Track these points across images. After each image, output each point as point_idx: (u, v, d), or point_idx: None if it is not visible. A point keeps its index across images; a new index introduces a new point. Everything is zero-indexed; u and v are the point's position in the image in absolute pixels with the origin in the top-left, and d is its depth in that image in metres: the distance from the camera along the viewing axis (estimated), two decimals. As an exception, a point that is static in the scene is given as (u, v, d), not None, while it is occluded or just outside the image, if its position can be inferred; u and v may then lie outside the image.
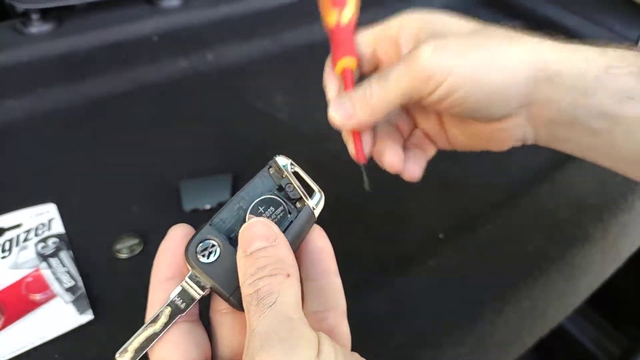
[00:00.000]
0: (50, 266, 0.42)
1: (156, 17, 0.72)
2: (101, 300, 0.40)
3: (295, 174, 0.30)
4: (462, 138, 0.38)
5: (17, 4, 0.64)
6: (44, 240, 0.44)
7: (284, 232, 0.28)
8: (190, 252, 0.27)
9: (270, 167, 0.30)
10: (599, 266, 0.49)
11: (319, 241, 0.30)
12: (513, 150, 0.55)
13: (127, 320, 0.39)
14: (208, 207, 0.48)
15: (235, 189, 0.50)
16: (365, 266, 0.44)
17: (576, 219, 0.49)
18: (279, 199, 0.29)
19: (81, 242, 0.45)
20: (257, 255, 0.25)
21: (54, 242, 0.44)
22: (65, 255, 0.43)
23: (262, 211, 0.29)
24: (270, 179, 0.30)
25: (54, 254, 0.43)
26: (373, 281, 0.42)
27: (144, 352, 0.26)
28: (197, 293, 0.27)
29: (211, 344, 0.28)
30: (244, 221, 0.28)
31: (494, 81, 0.31)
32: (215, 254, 0.27)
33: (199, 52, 0.67)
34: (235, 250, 0.27)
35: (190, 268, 0.27)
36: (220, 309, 0.28)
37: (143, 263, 0.43)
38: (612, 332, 0.99)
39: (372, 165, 0.38)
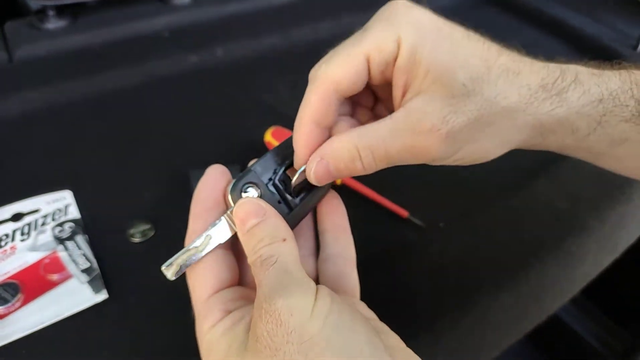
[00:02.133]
0: (66, 249, 0.44)
1: (167, 14, 0.74)
2: (115, 281, 0.42)
3: None
4: None
5: (32, 1, 0.67)
6: (61, 224, 0.46)
7: (310, 189, 0.32)
8: (236, 190, 0.31)
9: None
10: (595, 256, 0.51)
11: (335, 201, 0.35)
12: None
13: (140, 300, 0.41)
14: (217, 195, 0.50)
15: (243, 179, 0.52)
16: (368, 254, 0.45)
17: (573, 209, 0.50)
18: None
19: (96, 226, 0.47)
20: (253, 231, 0.29)
21: (70, 227, 0.46)
22: (80, 239, 0.45)
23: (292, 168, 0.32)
24: None
25: (70, 238, 0.45)
26: (372, 265, 0.44)
27: (185, 269, 0.30)
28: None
29: (239, 271, 0.32)
30: (278, 174, 0.32)
31: (495, 153, 0.33)
32: (255, 195, 0.31)
33: (208, 48, 0.69)
34: (271, 195, 0.31)
35: (233, 203, 0.30)
36: None
37: (155, 247, 0.45)
38: (615, 329, 1.00)
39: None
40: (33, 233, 0.45)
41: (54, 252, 0.44)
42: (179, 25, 0.73)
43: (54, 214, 0.47)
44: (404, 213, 0.49)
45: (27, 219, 0.46)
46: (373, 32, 0.29)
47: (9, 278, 0.41)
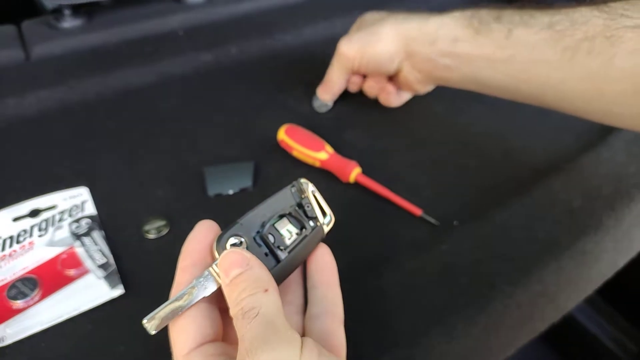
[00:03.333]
0: (83, 244, 0.44)
1: (182, 12, 0.75)
2: (131, 277, 0.43)
3: (314, 196, 0.36)
4: (399, 85, 0.59)
5: (48, 1, 0.67)
6: (78, 220, 0.46)
7: (299, 243, 0.33)
8: (221, 243, 0.31)
9: (294, 186, 0.35)
10: (611, 255, 0.50)
11: (326, 257, 0.35)
12: (531, 143, 0.57)
13: (155, 295, 0.41)
14: (231, 192, 0.50)
15: (256, 176, 0.52)
16: (381, 251, 0.45)
17: (589, 208, 0.50)
18: (298, 214, 0.34)
19: (112, 223, 0.47)
20: (236, 281, 0.29)
21: (87, 223, 0.46)
22: (97, 234, 0.45)
23: (283, 222, 0.34)
24: (292, 196, 0.35)
25: (87, 234, 0.45)
26: (385, 264, 0.44)
27: (168, 322, 0.30)
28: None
29: (224, 329, 0.32)
30: (267, 226, 0.33)
31: (378, 53, 0.54)
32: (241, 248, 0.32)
33: (222, 46, 0.70)
34: (258, 248, 0.32)
35: (218, 255, 0.31)
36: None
37: (170, 243, 0.46)
38: (629, 329, 0.99)
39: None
40: (50, 229, 0.46)
41: (71, 248, 0.44)
42: (193, 24, 0.74)
43: (70, 210, 0.47)
44: (417, 211, 0.48)
45: (44, 215, 0.47)
46: None
47: (27, 273, 0.42)
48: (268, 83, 0.65)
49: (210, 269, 0.30)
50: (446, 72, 0.53)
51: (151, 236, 0.46)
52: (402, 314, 0.40)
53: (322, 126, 0.58)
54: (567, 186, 0.52)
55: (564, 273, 0.46)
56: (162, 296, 0.41)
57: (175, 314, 0.30)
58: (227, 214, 0.48)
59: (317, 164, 0.53)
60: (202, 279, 0.30)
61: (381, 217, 0.49)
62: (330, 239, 0.36)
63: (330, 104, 0.61)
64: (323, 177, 0.52)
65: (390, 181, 0.51)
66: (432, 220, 0.48)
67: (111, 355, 0.38)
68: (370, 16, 0.58)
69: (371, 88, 0.60)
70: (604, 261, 0.50)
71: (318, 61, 0.63)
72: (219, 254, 0.31)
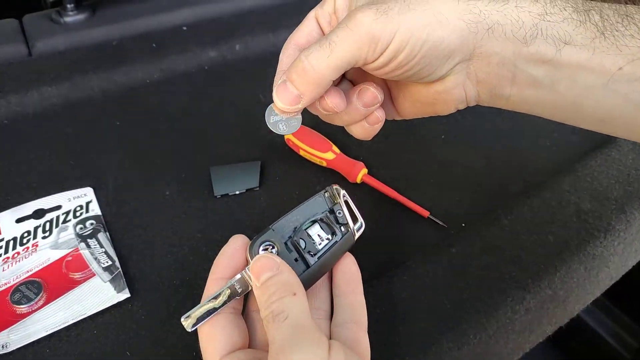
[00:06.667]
0: (88, 246, 0.44)
1: (186, 7, 0.74)
2: (137, 280, 0.42)
3: (346, 202, 0.37)
4: (406, 104, 0.38)
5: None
6: (82, 222, 0.46)
7: (329, 249, 0.35)
8: (254, 247, 0.33)
9: (326, 191, 0.37)
10: (620, 258, 0.50)
11: (352, 267, 0.36)
12: (538, 144, 0.56)
13: (161, 299, 0.41)
14: (237, 192, 0.50)
15: (263, 176, 0.52)
16: (390, 253, 0.45)
17: (598, 210, 0.49)
18: (329, 220, 0.36)
19: (117, 224, 0.47)
20: (266, 284, 0.30)
21: (92, 224, 0.46)
22: (102, 236, 0.45)
23: (315, 227, 0.35)
24: (325, 202, 0.36)
25: (92, 235, 0.45)
26: (393, 266, 0.43)
27: (203, 321, 0.31)
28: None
29: (249, 335, 0.33)
30: (299, 231, 0.35)
31: (436, 37, 0.30)
32: (272, 253, 0.33)
33: (227, 42, 0.69)
34: (289, 253, 0.34)
35: (251, 260, 0.32)
36: (255, 309, 0.34)
37: (176, 245, 0.45)
38: (631, 325, 0.99)
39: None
40: (55, 230, 0.45)
41: (76, 250, 0.44)
42: (198, 19, 0.73)
43: (75, 210, 0.47)
44: (425, 213, 0.48)
45: (48, 216, 0.46)
46: None
47: (31, 276, 0.41)
48: (273, 80, 0.64)
49: (243, 272, 0.32)
50: (526, 89, 0.33)
51: (156, 239, 0.45)
52: (413, 320, 0.40)
53: (329, 125, 0.57)
54: (576, 188, 0.51)
55: (574, 277, 0.45)
56: (169, 300, 0.41)
57: (210, 314, 0.31)
58: (234, 214, 0.48)
59: (324, 164, 0.52)
60: (235, 282, 0.32)
61: (389, 218, 0.48)
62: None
63: (298, 115, 0.36)
64: (330, 177, 0.52)
65: (396, 181, 0.51)
66: (440, 222, 0.47)
67: (117, 361, 0.37)
68: None
69: (354, 109, 0.36)
70: (613, 264, 0.50)
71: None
72: (252, 258, 0.33)
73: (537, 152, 0.56)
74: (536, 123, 0.59)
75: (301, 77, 0.32)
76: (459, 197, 0.51)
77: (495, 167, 0.54)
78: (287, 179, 0.52)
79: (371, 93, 0.35)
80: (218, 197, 0.49)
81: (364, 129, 0.37)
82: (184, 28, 0.71)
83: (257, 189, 0.50)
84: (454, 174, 0.53)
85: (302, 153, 0.53)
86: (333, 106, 0.34)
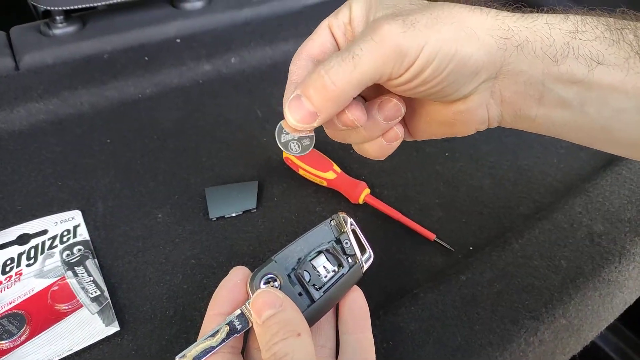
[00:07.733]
0: (75, 275, 0.41)
1: (179, 19, 0.71)
2: (127, 311, 0.40)
3: (353, 231, 0.34)
4: (421, 124, 0.35)
5: (39, 4, 0.64)
6: (69, 247, 0.43)
7: (335, 282, 0.32)
8: (255, 281, 0.31)
9: (332, 220, 0.35)
10: (635, 282, 0.48)
11: (359, 301, 0.34)
12: (546, 161, 0.54)
13: (153, 332, 0.39)
14: (234, 214, 0.47)
15: (261, 197, 0.49)
16: (395, 280, 0.43)
17: (611, 232, 0.47)
18: (335, 251, 0.34)
19: (106, 250, 0.44)
20: (268, 323, 0.29)
21: (79, 250, 0.43)
22: (90, 263, 0.42)
23: (320, 258, 0.33)
24: (331, 231, 0.34)
25: (79, 263, 0.42)
26: (404, 295, 0.41)
27: None
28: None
29: None
30: (303, 263, 0.32)
31: (465, 53, 0.28)
32: (275, 286, 0.31)
33: (222, 56, 0.67)
34: (292, 287, 0.32)
35: (252, 295, 0.30)
36: (256, 347, 0.32)
37: (168, 272, 0.43)
38: (630, 338, 0.97)
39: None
40: (40, 257, 0.43)
41: (63, 279, 0.41)
42: (191, 31, 0.70)
43: (62, 235, 0.44)
44: (431, 236, 0.46)
45: (33, 242, 0.44)
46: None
47: (14, 308, 0.39)
48: (270, 95, 0.62)
49: (244, 307, 0.30)
50: (554, 111, 0.31)
51: (150, 264, 0.43)
52: (422, 355, 0.37)
53: (329, 142, 0.55)
54: (588, 209, 0.49)
55: (588, 305, 0.43)
56: (160, 334, 0.39)
57: (207, 353, 0.29)
58: (231, 238, 0.46)
59: (325, 184, 0.50)
60: (234, 318, 0.30)
61: (393, 241, 0.46)
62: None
63: (311, 134, 0.33)
64: (331, 197, 0.50)
65: (400, 201, 0.49)
66: (447, 246, 0.45)
67: (105, 401, 0.35)
68: None
69: (374, 125, 0.33)
70: (628, 288, 0.48)
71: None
72: (252, 292, 0.31)
73: (544, 169, 0.54)
74: (541, 137, 0.57)
75: (319, 93, 0.29)
76: (465, 218, 0.49)
77: (501, 185, 0.52)
78: (286, 199, 0.50)
79: (394, 105, 0.32)
80: (213, 219, 0.47)
81: (381, 147, 0.34)
82: (178, 40, 0.69)
83: (255, 210, 0.48)
84: (459, 193, 0.51)
85: (301, 172, 0.51)
86: (354, 119, 0.31)
